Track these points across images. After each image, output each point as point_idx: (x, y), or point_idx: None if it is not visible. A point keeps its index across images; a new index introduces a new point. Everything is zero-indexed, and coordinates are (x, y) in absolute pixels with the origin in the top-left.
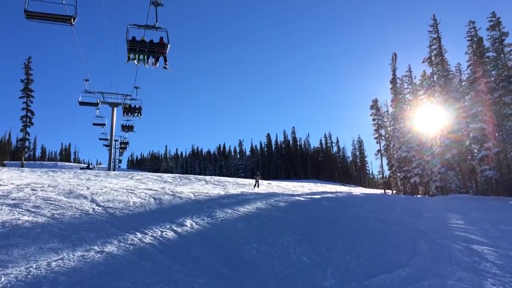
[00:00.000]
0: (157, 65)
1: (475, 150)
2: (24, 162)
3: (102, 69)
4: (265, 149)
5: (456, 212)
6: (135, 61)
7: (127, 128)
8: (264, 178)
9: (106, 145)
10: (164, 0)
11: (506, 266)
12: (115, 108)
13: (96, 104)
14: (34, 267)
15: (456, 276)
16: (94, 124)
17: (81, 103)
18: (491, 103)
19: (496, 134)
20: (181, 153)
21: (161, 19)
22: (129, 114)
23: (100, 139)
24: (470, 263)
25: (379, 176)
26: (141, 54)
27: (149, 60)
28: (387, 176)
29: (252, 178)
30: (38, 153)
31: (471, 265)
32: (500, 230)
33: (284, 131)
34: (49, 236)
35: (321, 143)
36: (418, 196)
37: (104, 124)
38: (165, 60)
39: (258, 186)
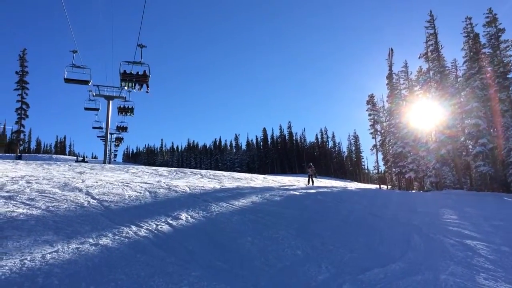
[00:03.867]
0: (141, 89)
1: (470, 146)
2: (19, 154)
3: (98, 66)
4: (261, 143)
5: (450, 208)
6: (125, 87)
7: (122, 129)
8: (260, 172)
9: (101, 137)
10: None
11: (498, 261)
12: (110, 101)
13: (86, 82)
14: (28, 259)
15: (449, 271)
16: (86, 109)
17: (67, 80)
18: (486, 99)
19: (491, 130)
20: (177, 147)
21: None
22: (123, 114)
23: (93, 127)
24: (463, 257)
25: (374, 171)
26: (129, 82)
27: (135, 86)
28: (382, 171)
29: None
30: (33, 145)
31: (464, 260)
32: (493, 226)
33: (280, 126)
34: (44, 229)
35: (317, 138)
36: (413, 191)
37: (97, 109)
38: (147, 86)
39: (312, 182)
